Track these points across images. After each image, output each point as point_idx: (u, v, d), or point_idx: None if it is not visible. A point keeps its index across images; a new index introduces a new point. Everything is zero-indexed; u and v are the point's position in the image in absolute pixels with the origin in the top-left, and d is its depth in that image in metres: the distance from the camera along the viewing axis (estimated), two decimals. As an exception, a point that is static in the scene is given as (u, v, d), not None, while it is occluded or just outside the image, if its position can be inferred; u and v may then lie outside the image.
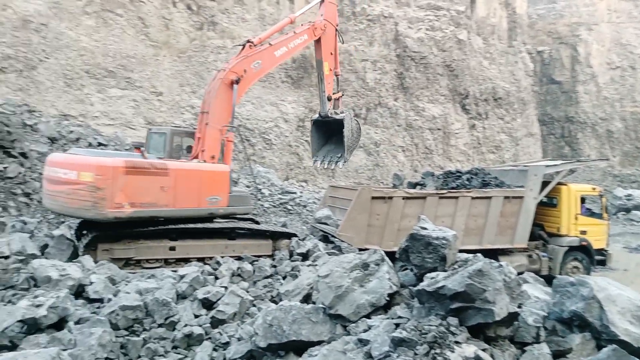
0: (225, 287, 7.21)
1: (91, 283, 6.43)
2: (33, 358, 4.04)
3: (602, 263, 12.41)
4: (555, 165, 12.45)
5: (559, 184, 12.15)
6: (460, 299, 3.95)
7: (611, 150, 41.34)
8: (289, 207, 17.57)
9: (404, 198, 10.84)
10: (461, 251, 10.96)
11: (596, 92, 41.83)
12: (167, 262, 8.49)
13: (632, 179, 30.59)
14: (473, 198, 11.17)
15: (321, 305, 5.08)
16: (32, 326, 4.96)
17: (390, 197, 10.76)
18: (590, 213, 12.26)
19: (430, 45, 32.74)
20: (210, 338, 5.83)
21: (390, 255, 5.66)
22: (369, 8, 32.37)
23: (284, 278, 8.49)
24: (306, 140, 30.93)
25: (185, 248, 8.67)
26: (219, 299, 6.64)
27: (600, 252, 12.28)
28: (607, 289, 4.57)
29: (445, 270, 4.84)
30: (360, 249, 10.86)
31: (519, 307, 4.80)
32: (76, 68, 25.21)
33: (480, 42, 35.26)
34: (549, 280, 11.24)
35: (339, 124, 11.13)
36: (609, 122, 41.34)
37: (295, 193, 19.68)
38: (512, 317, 4.14)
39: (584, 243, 11.94)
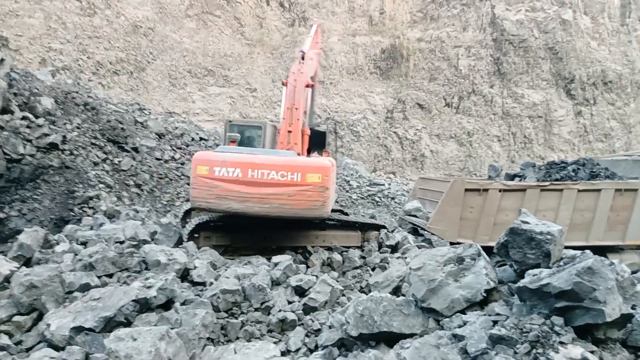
0: (317, 276, 7.39)
1: (195, 267, 6.91)
2: (145, 334, 4.44)
3: None
4: (679, 154, 11.09)
5: (687, 175, 10.82)
6: (567, 297, 3.69)
7: None
8: (377, 199, 17.50)
9: (500, 190, 10.31)
10: (566, 247, 10.25)
11: None
12: (261, 251, 8.87)
13: None
14: (580, 191, 10.32)
15: (412, 298, 5.03)
16: (144, 305, 5.42)
17: (486, 190, 10.28)
18: None
19: (531, 27, 30.62)
20: (302, 324, 6.00)
21: (486, 250, 5.42)
22: (462, -8, 31.07)
23: (372, 269, 8.50)
24: (394, 132, 30.59)
25: (278, 237, 8.98)
26: (310, 287, 6.81)
27: None
28: None
29: (549, 267, 4.54)
30: (452, 243, 10.58)
31: (633, 308, 4.37)
32: (180, 68, 27.15)
33: (588, 22, 32.24)
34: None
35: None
36: None
37: (383, 185, 19.55)
38: (625, 318, 3.78)
39: None
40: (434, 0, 31.44)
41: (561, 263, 4.64)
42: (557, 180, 10.62)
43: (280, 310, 6.23)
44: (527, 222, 4.89)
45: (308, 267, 8.37)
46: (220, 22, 29.51)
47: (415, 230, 11.80)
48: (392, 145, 30.82)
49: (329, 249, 9.13)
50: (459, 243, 10.35)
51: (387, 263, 8.61)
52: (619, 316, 3.61)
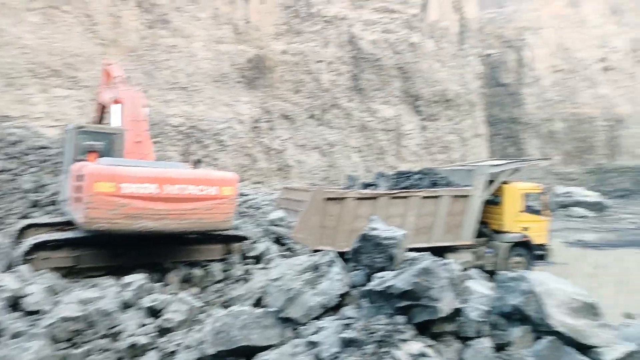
0: (174, 294, 7.04)
1: (29, 294, 6.09)
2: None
3: (543, 258, 13.01)
4: (500, 165, 12.95)
5: (503, 182, 12.65)
6: (407, 297, 4.03)
7: (553, 150, 43.51)
8: (243, 210, 17.34)
9: (356, 199, 10.99)
10: (412, 249, 11.23)
11: (539, 94, 43.91)
12: (112, 271, 8.14)
13: (572, 177, 32.41)
14: (423, 197, 11.46)
15: (272, 309, 5.06)
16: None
17: (343, 198, 10.88)
18: (532, 210, 12.82)
19: (384, 47, 33.33)
20: (156, 347, 5.65)
21: (343, 255, 5.72)
22: (324, 9, 32.56)
23: (235, 282, 8.38)
24: (260, 141, 30.78)
25: (130, 254, 8.34)
26: (166, 307, 6.46)
27: (541, 247, 12.88)
28: (546, 283, 4.79)
29: (393, 270, 4.93)
30: (315, 250, 10.94)
31: (464, 302, 4.95)
32: (18, 67, 23.91)
33: (432, 45, 36.21)
34: (493, 275, 11.71)
35: None
36: (551, 122, 43.51)
37: (248, 195, 19.45)
38: (456, 313, 4.26)
39: (526, 239, 12.49)
40: (298, 15, 32.47)
41: (404, 265, 5.08)
42: (404, 188, 11.65)
43: (131, 335, 5.79)
44: (375, 229, 5.27)
45: (166, 284, 7.94)
46: (69, 18, 26.73)
47: (279, 240, 11.93)
48: (258, 155, 30.92)
49: (190, 263, 8.76)
50: (320, 250, 10.79)
51: (250, 275, 8.57)
52: (451, 311, 4.07)
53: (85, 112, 25.75)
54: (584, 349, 4.50)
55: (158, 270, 8.42)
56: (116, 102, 9.41)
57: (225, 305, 7.66)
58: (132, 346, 5.45)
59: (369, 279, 4.97)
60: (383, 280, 4.23)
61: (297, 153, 31.88)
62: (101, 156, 8.55)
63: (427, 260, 4.29)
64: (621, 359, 4.44)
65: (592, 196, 24.57)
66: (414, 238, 11.42)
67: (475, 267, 12.08)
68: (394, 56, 33.64)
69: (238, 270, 8.83)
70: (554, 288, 4.74)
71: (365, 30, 33.63)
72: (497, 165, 13.02)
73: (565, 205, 24.73)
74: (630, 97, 46.31)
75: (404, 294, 4.03)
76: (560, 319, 4.52)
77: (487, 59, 44.19)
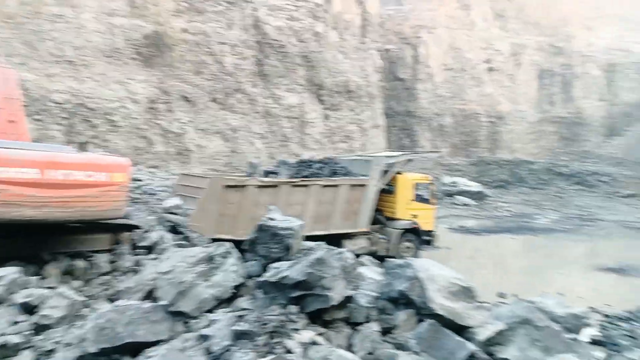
0: (53, 288, 6.48)
1: None
2: None
3: (430, 243, 14.02)
4: (394, 156, 13.64)
5: (397, 173, 13.35)
6: (301, 287, 4.10)
7: (442, 143, 46.87)
8: (135, 196, 16.35)
9: (257, 187, 10.89)
10: (311, 237, 11.42)
11: (432, 90, 46.90)
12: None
13: (457, 168, 35.25)
14: (323, 186, 11.69)
15: (162, 303, 4.85)
16: None
17: (244, 186, 10.72)
18: (421, 199, 13.72)
19: (289, 34, 33.22)
20: (32, 346, 5.16)
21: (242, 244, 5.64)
22: (227, -10, 31.53)
23: (124, 274, 7.91)
24: (157, 123, 29.20)
25: (4, 244, 7.51)
26: (43, 302, 5.92)
27: (429, 233, 13.86)
28: (429, 269, 5.17)
29: (290, 260, 4.97)
30: (214, 240, 10.68)
31: (355, 289, 5.16)
32: None
33: (335, 36, 36.83)
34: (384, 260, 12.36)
35: None
36: (442, 117, 46.77)
37: (141, 180, 18.38)
38: (347, 300, 4.42)
39: (415, 226, 13.35)
40: (199, -7, 31.10)
41: (300, 255, 5.15)
42: (305, 177, 11.79)
43: (1, 335, 5.23)
44: (273, 219, 5.26)
45: (44, 278, 7.27)
46: None
47: (174, 228, 11.46)
48: (154, 137, 29.29)
49: (72, 254, 8.08)
50: (219, 239, 10.56)
51: (140, 266, 8.13)
52: (342, 299, 4.22)
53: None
54: (461, 329, 4.94)
55: (35, 262, 7.67)
56: None
57: (112, 299, 7.23)
58: (3, 346, 4.93)
59: (265, 269, 4.97)
60: (278, 271, 4.25)
61: (197, 137, 30.75)
62: None
63: (322, 250, 4.38)
64: (492, 338, 4.94)
65: (474, 186, 27.00)
66: (313, 226, 11.63)
67: (370, 252, 12.68)
68: (298, 44, 33.70)
69: (127, 261, 8.34)
70: (436, 274, 5.13)
71: (270, 16, 33.20)
72: (391, 156, 13.69)
73: (450, 194, 26.86)
74: (510, 97, 51.32)
75: (298, 284, 4.08)
76: (440, 302, 4.91)
77: (386, 54, 46.11)
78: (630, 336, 8.00)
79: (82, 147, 8.01)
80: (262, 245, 5.00)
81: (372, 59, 41.25)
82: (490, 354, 5.07)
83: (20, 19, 25.64)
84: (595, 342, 7.78)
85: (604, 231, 21.01)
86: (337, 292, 4.20)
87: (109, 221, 9.13)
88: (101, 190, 7.12)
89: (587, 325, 8.27)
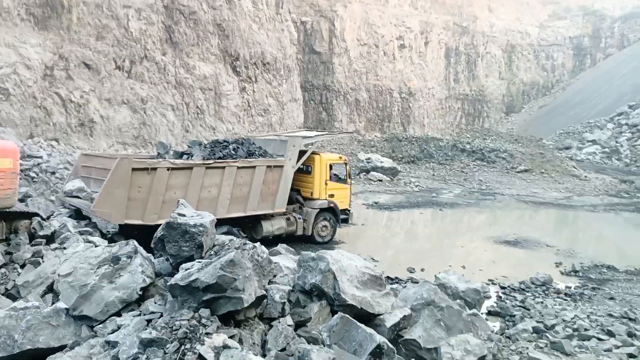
0: None
1: None
2: None
3: (346, 221, 14.45)
4: (310, 137, 13.71)
5: (313, 153, 13.47)
6: (212, 290, 4.03)
7: (358, 117, 47.98)
8: (33, 175, 15.04)
9: (169, 169, 10.43)
10: (227, 220, 11.26)
11: (348, 65, 47.48)
12: None
13: (372, 144, 36.38)
14: (239, 168, 11.49)
15: (64, 306, 4.54)
16: None
17: (154, 169, 10.21)
18: (337, 179, 14.02)
19: (201, 0, 31.64)
20: None
21: (155, 228, 5.35)
22: (131, -52, 29.10)
23: (22, 267, 7.31)
24: (56, 93, 26.71)
25: None
26: None
27: (345, 211, 14.25)
28: (340, 261, 5.33)
29: (202, 258, 4.86)
30: (121, 226, 10.13)
31: (270, 282, 5.20)
32: None
33: (249, 5, 35.70)
34: (305, 239, 12.56)
35: None
36: (357, 92, 47.68)
37: (41, 157, 16.91)
38: (260, 299, 4.44)
39: (331, 205, 13.65)
40: (99, -50, 28.38)
41: (212, 252, 5.05)
42: (220, 158, 11.49)
43: None
44: (183, 215, 5.08)
45: None
46: None
47: (78, 213, 10.72)
48: (53, 107, 26.82)
49: (-43, 247, 7.31)
50: (127, 225, 10.04)
51: (41, 257, 7.56)
52: (255, 299, 4.22)
53: None
54: (372, 317, 5.19)
55: None
56: None
57: (10, 293, 6.70)
58: None
59: (175, 268, 4.82)
60: (188, 273, 4.14)
61: (101, 108, 28.63)
62: None
63: (233, 251, 4.32)
64: (398, 323, 5.25)
65: (388, 162, 28.07)
66: (230, 208, 11.47)
67: (288, 233, 12.80)
68: (210, 11, 32.26)
69: (26, 252, 7.72)
70: (347, 265, 5.30)
71: (180, -21, 31.34)
72: (308, 137, 13.74)
73: (366, 170, 27.68)
74: (420, 74, 53.52)
75: (209, 287, 4.01)
76: (352, 292, 5.11)
77: (302, 27, 45.67)
78: (522, 307, 8.92)
79: None
80: (172, 243, 4.82)
81: (288, 31, 40.69)
82: (399, 336, 5.42)
83: None
84: (492, 314, 8.59)
85: (502, 204, 22.96)
86: (249, 293, 4.19)
87: (1, 210, 8.34)
88: None
89: (486, 297, 9.10)
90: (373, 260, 11.42)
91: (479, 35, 58.90)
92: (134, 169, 9.87)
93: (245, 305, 4.10)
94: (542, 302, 9.23)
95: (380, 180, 26.75)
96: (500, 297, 9.79)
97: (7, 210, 8.37)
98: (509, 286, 10.44)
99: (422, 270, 11.45)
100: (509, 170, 31.45)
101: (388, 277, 10.12)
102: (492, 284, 10.75)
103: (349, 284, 5.14)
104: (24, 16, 26.12)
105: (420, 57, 53.54)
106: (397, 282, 9.87)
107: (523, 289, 10.27)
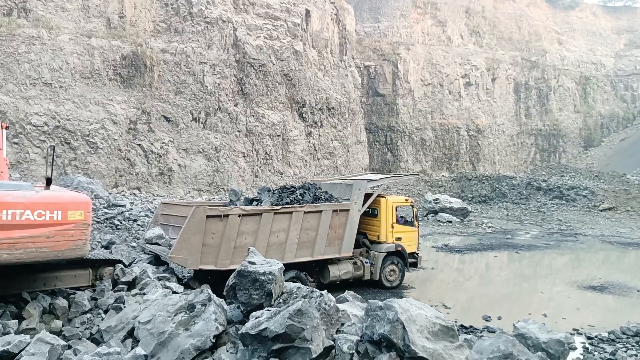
0: (34, 329, 6.34)
1: None
2: None
3: (415, 265, 14.08)
4: (375, 180, 13.73)
5: (379, 196, 13.44)
6: (281, 339, 4.09)
7: (424, 157, 47.41)
8: (117, 222, 16.19)
9: (240, 215, 10.81)
10: (294, 264, 11.35)
11: (412, 105, 47.56)
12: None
13: (439, 184, 35.64)
14: (306, 212, 11.65)
15: (142, 353, 4.78)
16: None
17: (227, 215, 10.63)
18: (404, 221, 13.81)
19: (269, 53, 33.44)
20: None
21: (227, 273, 5.53)
22: (206, 10, 31.65)
23: (105, 312, 7.77)
24: (139, 145, 28.98)
25: None
26: (23, 349, 5.78)
27: (413, 255, 13.93)
28: (409, 310, 5.19)
29: (271, 305, 4.97)
30: (195, 271, 10.56)
31: (338, 332, 5.17)
32: None
33: (315, 54, 37.18)
34: (373, 284, 12.36)
35: None
36: (423, 131, 47.38)
37: (124, 206, 18.20)
38: (328, 350, 4.43)
39: (399, 248, 13.40)
40: (178, 13, 31.16)
41: (281, 300, 5.15)
42: (287, 203, 11.78)
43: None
44: (253, 263, 5.25)
45: (24, 318, 7.12)
46: None
47: (157, 259, 11.34)
48: (136, 158, 29.04)
49: (52, 292, 7.93)
50: (202, 270, 10.45)
51: (123, 303, 8.00)
52: (323, 350, 4.22)
53: None
54: (442, 370, 4.96)
55: (14, 302, 7.52)
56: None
57: (94, 337, 7.09)
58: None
59: (246, 316, 4.95)
60: (258, 322, 4.24)
61: (179, 157, 30.58)
62: None
63: (300, 300, 4.39)
64: (471, 377, 4.97)
65: (457, 202, 27.28)
66: (297, 252, 11.59)
67: (355, 277, 12.69)
68: (278, 62, 33.93)
69: (109, 298, 8.20)
70: (416, 314, 5.16)
71: (249, 35, 33.43)
72: (373, 180, 13.78)
73: (434, 211, 27.06)
74: (488, 110, 52.34)
75: (278, 337, 4.08)
76: (422, 344, 4.94)
77: (365, 71, 46.70)
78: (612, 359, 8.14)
79: (48, 183, 7.69)
80: (243, 291, 4.97)
81: (352, 76, 41.72)
82: (473, 391, 5.11)
83: (-4, 41, 25.40)
84: (577, 368, 7.90)
85: (585, 245, 21.39)
86: (317, 343, 4.20)
87: (89, 257, 9.03)
88: (55, 230, 6.80)
89: (571, 349, 8.39)
90: (445, 307, 10.97)
91: (550, 69, 56.99)
92: (208, 217, 10.33)
93: (314, 356, 4.11)
94: (636, 355, 8.35)
95: (450, 222, 25.97)
96: (587, 348, 8.97)
97: (93, 257, 9.06)
98: (596, 336, 9.57)
99: (499, 318, 10.81)
100: (590, 209, 29.40)
101: (462, 325, 9.66)
102: (578, 334, 9.91)
103: (419, 334, 4.98)
104: (111, 76, 28.98)
105: (487, 93, 52.55)
106: (471, 332, 9.38)
107: (613, 340, 9.36)
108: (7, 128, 9.14)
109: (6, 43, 25.49)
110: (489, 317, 10.90)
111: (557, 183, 33.07)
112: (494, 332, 7.85)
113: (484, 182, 33.87)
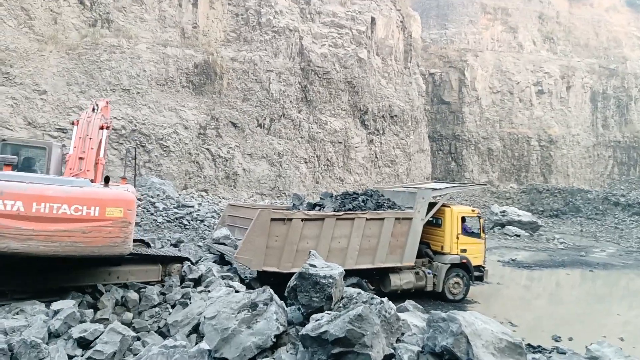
0: (108, 320, 6.74)
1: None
2: None
3: (480, 279, 13.55)
4: (440, 189, 13.40)
5: (443, 205, 13.10)
6: (341, 344, 4.08)
7: (491, 167, 45.65)
8: (185, 222, 16.92)
9: (302, 220, 10.94)
10: (355, 271, 11.30)
11: (479, 114, 46.03)
12: (39, 294, 7.67)
13: (507, 196, 34.15)
14: (367, 219, 11.60)
15: (206, 348, 4.95)
16: None
17: (290, 219, 10.80)
18: (470, 232, 13.35)
19: (333, 61, 33.74)
20: (85, 382, 5.38)
21: (289, 276, 5.63)
22: (274, 20, 32.52)
23: (172, 307, 8.12)
24: (207, 149, 30.19)
25: (60, 276, 7.87)
26: (97, 337, 6.17)
27: (478, 268, 13.41)
28: (474, 324, 5.00)
29: (331, 309, 4.98)
30: (258, 272, 10.81)
31: (398, 341, 5.08)
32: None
33: (379, 62, 37.05)
34: (435, 295, 12.04)
35: None
36: (490, 141, 45.68)
37: (192, 207, 19.00)
38: (389, 358, 4.35)
39: (464, 260, 12.96)
40: (247, 23, 32.24)
41: (340, 304, 5.14)
42: (350, 210, 11.78)
43: (57, 371, 5.48)
44: (314, 265, 5.29)
45: (98, 309, 7.59)
46: (1, 10, 25.16)
47: (222, 258, 11.73)
48: (204, 162, 30.28)
49: (124, 286, 8.42)
50: (264, 272, 10.68)
51: (189, 299, 8.33)
52: (383, 357, 4.16)
53: (20, 111, 24.31)
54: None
55: (90, 293, 8.05)
56: (73, 123, 9.07)
57: (162, 331, 7.42)
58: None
59: (306, 318, 4.99)
60: (318, 324, 4.26)
61: (244, 162, 31.52)
62: (20, 169, 8.15)
63: (361, 305, 4.36)
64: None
65: (526, 216, 25.99)
66: (358, 259, 11.54)
67: (417, 287, 12.42)
68: (342, 70, 34.14)
69: (176, 293, 8.57)
70: (481, 329, 4.96)
71: (314, 44, 33.92)
72: (438, 189, 13.46)
73: (501, 224, 25.95)
74: (562, 120, 49.57)
75: (338, 341, 4.07)
76: (487, 359, 4.74)
77: (430, 78, 45.85)
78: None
79: (107, 179, 7.97)
80: (304, 293, 5.02)
81: (416, 83, 41.12)
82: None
83: (81, 50, 27.47)
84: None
85: (668, 266, 19.66)
86: (377, 350, 4.15)
87: (160, 254, 9.50)
88: (91, 226, 6.84)
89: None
90: (511, 325, 10.47)
91: (631, 77, 53.08)
92: (272, 219, 10.55)
93: (374, 362, 4.07)
94: None
95: (518, 236, 24.77)
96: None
97: (164, 254, 9.51)
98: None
99: (570, 339, 10.14)
100: (676, 227, 26.98)
101: (529, 344, 9.16)
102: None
103: (484, 349, 4.79)
104: (184, 83, 30.45)
105: (561, 102, 49.80)
106: (539, 352, 8.86)
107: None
108: (108, 128, 9.62)
109: (90, 52, 27.51)
110: (559, 337, 10.27)
111: (638, 198, 30.61)
112: (564, 353, 7.37)
113: (556, 196, 32.06)
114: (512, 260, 19.36)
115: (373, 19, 36.23)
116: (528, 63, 48.41)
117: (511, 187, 41.97)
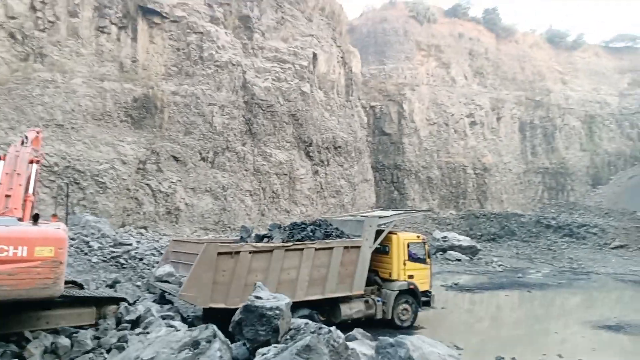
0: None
1: None
2: None
3: (427, 304, 13.72)
4: (387, 216, 13.62)
5: (390, 232, 13.29)
6: (289, 377, 3.94)
7: (431, 195, 47.24)
8: (122, 261, 16.08)
9: (250, 252, 10.68)
10: (305, 303, 11.10)
11: (418, 144, 47.87)
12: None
13: (447, 222, 35.36)
14: (317, 249, 11.50)
15: (146, 392, 4.62)
16: None
17: (237, 252, 10.51)
18: (416, 258, 13.58)
19: (277, 95, 34.09)
20: None
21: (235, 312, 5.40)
22: (216, 54, 32.55)
23: (108, 351, 7.60)
24: (147, 184, 29.17)
25: None
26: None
27: (425, 293, 13.60)
28: (421, 347, 5.02)
29: (278, 342, 4.82)
30: (205, 309, 10.34)
31: (348, 371, 4.97)
32: None
33: (321, 95, 37.86)
34: (384, 323, 12.03)
35: None
36: (429, 170, 47.45)
37: (130, 245, 18.13)
38: (339, 388, 4.25)
39: (411, 286, 13.11)
40: (189, 58, 32.06)
41: (288, 336, 5.00)
42: (298, 240, 11.65)
43: None
44: (259, 298, 5.14)
45: (24, 358, 6.97)
46: None
47: (162, 297, 11.17)
48: (144, 198, 29.17)
49: (55, 331, 7.79)
50: (211, 309, 10.23)
51: (126, 342, 7.84)
52: (332, 388, 4.06)
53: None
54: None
55: (15, 341, 7.38)
56: (0, 158, 8.50)
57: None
58: None
59: (251, 353, 4.80)
60: (264, 359, 4.10)
61: (187, 196, 30.68)
62: None
63: (309, 336, 4.26)
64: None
65: (465, 240, 26.95)
66: (308, 290, 11.36)
67: (367, 316, 12.37)
68: (285, 103, 34.53)
69: (112, 337, 8.05)
70: (428, 352, 4.98)
71: (257, 77, 34.21)
72: (384, 216, 13.67)
73: (443, 249, 26.71)
74: (494, 149, 52.52)
75: (286, 374, 3.93)
76: (435, 383, 4.75)
77: (371, 110, 47.38)
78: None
79: (35, 217, 7.49)
80: (249, 327, 4.85)
81: (358, 116, 42.29)
82: None
83: (11, 85, 26.10)
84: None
85: (598, 284, 20.87)
86: (327, 381, 4.04)
87: (94, 295, 8.91)
88: (17, 267, 6.36)
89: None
90: (457, 348, 10.62)
91: (554, 108, 57.54)
92: (219, 253, 10.22)
93: (323, 394, 3.94)
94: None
95: (459, 260, 25.55)
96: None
97: (98, 295, 8.94)
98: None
99: (513, 359, 10.43)
100: (601, 247, 28.89)
101: (475, 366, 9.32)
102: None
103: (432, 373, 4.79)
104: (122, 118, 29.51)
105: (493, 132, 52.91)
106: (485, 373, 9.03)
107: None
108: (38, 162, 9.10)
109: (21, 86, 26.19)
110: (502, 358, 10.52)
111: (567, 221, 32.68)
112: (509, 373, 7.55)
113: (492, 220, 33.58)
114: (455, 284, 19.86)
115: (315, 55, 37.17)
116: (461, 96, 51.28)
117: (450, 213, 43.53)
